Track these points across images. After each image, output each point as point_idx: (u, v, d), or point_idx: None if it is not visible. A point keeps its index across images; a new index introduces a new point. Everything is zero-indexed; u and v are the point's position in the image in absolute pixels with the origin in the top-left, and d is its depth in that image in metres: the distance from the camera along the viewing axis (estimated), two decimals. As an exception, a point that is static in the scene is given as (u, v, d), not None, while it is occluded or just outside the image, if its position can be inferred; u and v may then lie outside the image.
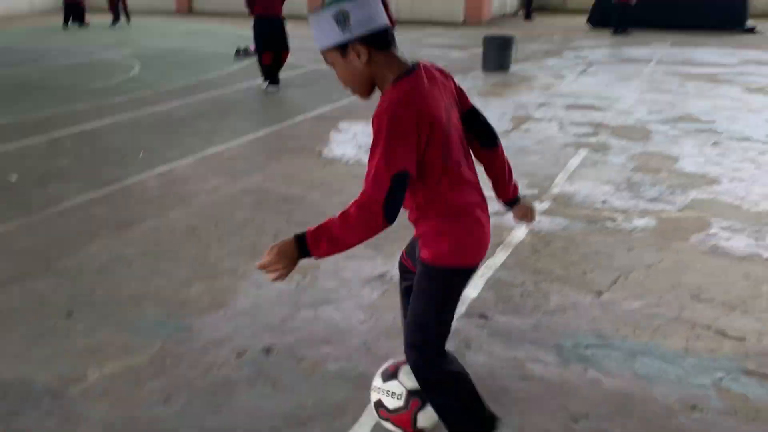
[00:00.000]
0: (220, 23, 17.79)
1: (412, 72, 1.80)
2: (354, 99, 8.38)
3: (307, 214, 4.43)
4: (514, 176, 2.23)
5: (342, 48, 1.75)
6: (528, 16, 18.98)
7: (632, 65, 10.99)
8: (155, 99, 8.31)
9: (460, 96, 2.01)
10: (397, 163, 1.70)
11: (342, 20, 1.70)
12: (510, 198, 2.23)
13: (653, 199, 4.75)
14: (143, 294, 3.36)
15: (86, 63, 11.52)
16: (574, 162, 5.69)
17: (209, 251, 3.88)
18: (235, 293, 3.37)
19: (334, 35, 1.73)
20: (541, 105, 8.01)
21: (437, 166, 1.83)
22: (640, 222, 4.33)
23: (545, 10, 20.93)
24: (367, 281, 3.49)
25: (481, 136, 2.08)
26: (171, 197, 4.84)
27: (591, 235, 4.13)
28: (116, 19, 17.95)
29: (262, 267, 1.77)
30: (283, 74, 9.17)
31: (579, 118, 7.33)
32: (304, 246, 1.75)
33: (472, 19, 18.02)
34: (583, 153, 5.96)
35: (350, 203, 1.74)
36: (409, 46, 11.29)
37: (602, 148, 6.08)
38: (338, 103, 8.08)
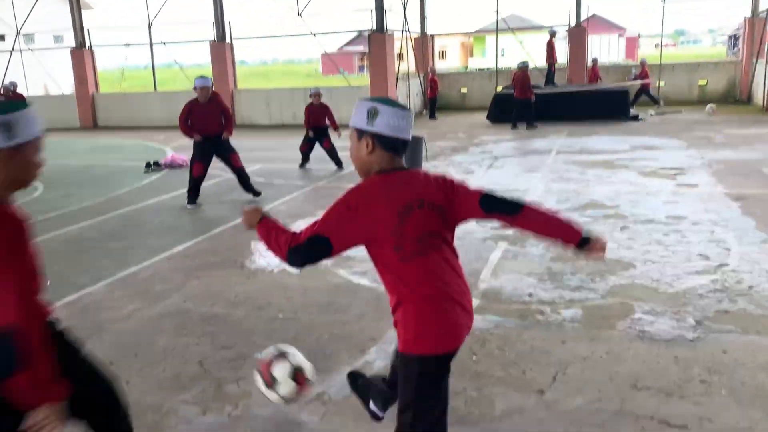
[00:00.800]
0: (127, 137, 17.53)
1: (392, 171, 2.14)
2: (273, 207, 8.21)
3: (233, 335, 4.23)
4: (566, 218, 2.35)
5: (360, 133, 2.15)
6: (432, 115, 19.90)
7: (535, 157, 11.59)
8: (61, 221, 7.92)
9: (465, 195, 2.21)
10: (323, 228, 2.07)
11: (371, 115, 2.11)
12: (571, 242, 2.31)
13: (576, 288, 4.87)
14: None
15: (-17, 187, 10.94)
16: (496, 255, 5.81)
17: (130, 387, 3.59)
18: (162, 433, 3.11)
19: (360, 121, 2.15)
20: (455, 201, 8.22)
21: (389, 255, 2.08)
22: (567, 313, 4.40)
23: (447, 108, 22.09)
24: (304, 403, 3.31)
25: (503, 210, 2.23)
26: (83, 328, 4.49)
27: (524, 331, 4.15)
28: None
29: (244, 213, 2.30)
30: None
31: (493, 211, 7.54)
32: (261, 222, 2.22)
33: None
34: (502, 246, 6.11)
35: (303, 230, 2.13)
36: (319, 151, 11.44)
37: (519, 240, 6.26)
38: (256, 213, 7.98)
